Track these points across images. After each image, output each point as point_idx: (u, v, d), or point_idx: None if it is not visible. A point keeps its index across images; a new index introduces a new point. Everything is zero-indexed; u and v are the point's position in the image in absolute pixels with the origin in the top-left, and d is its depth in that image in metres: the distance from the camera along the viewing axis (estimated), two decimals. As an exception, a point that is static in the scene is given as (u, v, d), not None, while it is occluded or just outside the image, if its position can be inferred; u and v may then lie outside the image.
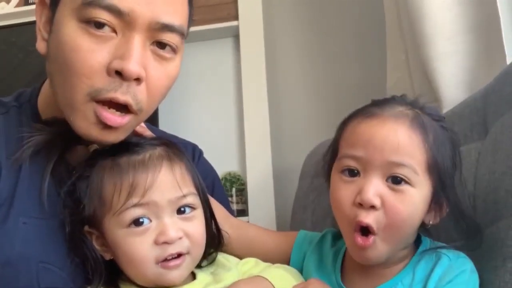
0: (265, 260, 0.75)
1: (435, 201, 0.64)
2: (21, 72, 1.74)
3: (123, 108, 0.63)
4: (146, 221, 0.62)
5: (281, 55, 1.72)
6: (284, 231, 0.88)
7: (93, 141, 0.67)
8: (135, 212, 0.62)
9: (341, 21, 1.64)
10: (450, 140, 0.66)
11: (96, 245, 0.65)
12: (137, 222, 0.62)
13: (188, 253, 0.63)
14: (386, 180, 0.61)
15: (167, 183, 0.63)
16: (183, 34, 0.66)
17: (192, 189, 0.67)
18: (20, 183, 0.65)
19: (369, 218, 0.60)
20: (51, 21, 0.65)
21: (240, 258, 0.74)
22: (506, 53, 0.92)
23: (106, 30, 0.61)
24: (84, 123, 0.63)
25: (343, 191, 0.63)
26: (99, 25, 0.61)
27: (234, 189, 1.67)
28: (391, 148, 0.61)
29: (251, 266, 0.73)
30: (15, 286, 0.62)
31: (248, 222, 0.90)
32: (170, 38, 0.64)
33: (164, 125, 1.58)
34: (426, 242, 0.69)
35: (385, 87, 1.31)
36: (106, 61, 0.61)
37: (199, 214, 0.66)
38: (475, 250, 0.67)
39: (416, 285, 0.64)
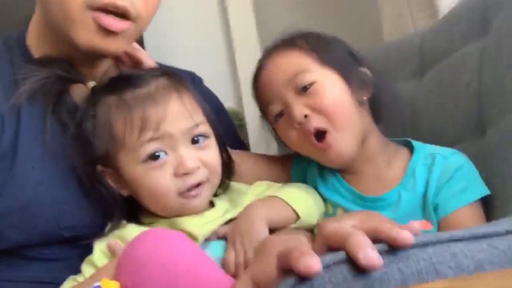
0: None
1: (350, 79, 0.70)
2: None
3: (121, 16, 0.63)
4: (162, 154, 0.62)
5: None
6: (283, 154, 0.89)
7: (96, 51, 0.65)
8: (151, 147, 0.61)
9: None
10: (334, 39, 0.76)
11: (111, 182, 0.65)
12: (153, 156, 0.61)
13: (207, 181, 0.63)
14: (300, 94, 0.68)
15: (179, 113, 0.62)
16: None
17: (203, 118, 0.66)
18: (22, 127, 0.64)
19: (310, 124, 0.67)
20: None
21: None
22: None
23: None
24: (85, 33, 0.63)
25: (284, 128, 0.71)
26: None
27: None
28: (280, 74, 0.71)
29: (264, 188, 0.73)
30: (36, 229, 0.63)
31: (246, 151, 0.90)
32: None
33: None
34: (418, 146, 0.71)
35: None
36: None
37: (212, 142, 0.66)
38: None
39: (418, 188, 0.67)
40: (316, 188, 0.75)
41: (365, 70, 0.72)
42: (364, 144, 0.71)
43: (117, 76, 0.67)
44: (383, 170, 0.70)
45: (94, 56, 0.69)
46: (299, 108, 0.67)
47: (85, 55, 0.68)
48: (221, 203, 0.68)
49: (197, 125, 0.63)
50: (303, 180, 0.77)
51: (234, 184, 0.72)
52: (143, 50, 0.75)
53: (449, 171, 0.65)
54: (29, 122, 0.65)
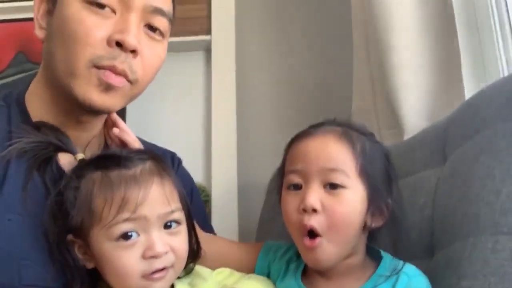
0: (233, 269, 0.78)
1: (373, 204, 0.72)
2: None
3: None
4: (134, 235, 0.65)
5: (252, 71, 1.77)
6: (251, 242, 0.92)
7: (92, 105, 0.71)
8: (125, 226, 0.64)
9: (311, 42, 1.71)
10: (380, 150, 0.76)
11: (78, 253, 0.67)
12: (125, 236, 0.64)
13: (172, 266, 0.66)
14: (324, 187, 0.69)
15: (158, 198, 0.66)
16: (170, 20, 0.77)
17: (179, 204, 0.69)
18: (8, 179, 0.67)
19: (312, 221, 0.68)
20: (52, 6, 0.73)
21: (211, 269, 0.77)
22: (465, 88, 1.00)
23: (107, 10, 0.72)
24: (85, 87, 0.70)
25: (290, 202, 0.71)
26: (101, 5, 0.71)
27: None
28: (324, 158, 0.70)
29: (225, 276, 0.76)
30: None
31: (215, 235, 0.93)
32: (160, 21, 0.75)
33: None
34: (387, 257, 0.75)
35: (350, 111, 1.38)
36: (108, 33, 0.71)
37: (183, 229, 0.69)
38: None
39: None
40: (275, 282, 0.77)
41: (389, 201, 0.73)
42: (347, 260, 0.72)
43: (106, 154, 0.71)
44: (348, 282, 0.72)
45: (89, 114, 0.74)
46: (314, 199, 0.68)
47: (79, 114, 0.72)
48: (181, 287, 0.70)
49: (172, 212, 0.67)
50: (267, 272, 0.80)
51: (196, 268, 0.74)
52: (130, 133, 0.80)
53: None
54: (15, 175, 0.68)
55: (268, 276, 0.79)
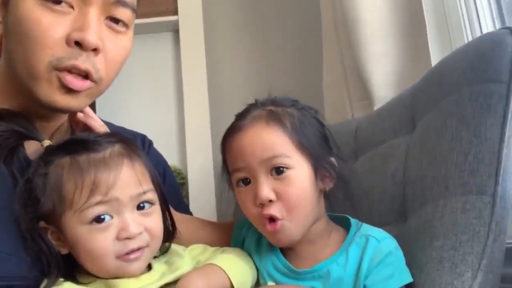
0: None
1: (319, 170, 0.73)
2: None
3: (84, 77, 0.68)
4: (107, 217, 0.64)
5: (222, 49, 1.76)
6: (225, 221, 0.93)
7: (57, 107, 0.69)
8: (98, 210, 0.63)
9: (280, 19, 1.71)
10: (308, 116, 0.75)
11: (52, 239, 0.66)
12: (98, 219, 0.64)
13: (147, 246, 0.66)
14: (271, 175, 0.70)
15: (129, 180, 0.65)
16: (134, 9, 0.73)
17: (151, 185, 0.69)
18: None
19: (271, 210, 0.69)
20: (6, 3, 0.68)
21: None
22: (431, 55, 1.02)
23: (64, 5, 0.67)
24: (48, 90, 0.67)
25: (245, 198, 0.72)
26: (57, 1, 0.66)
27: None
28: (260, 149, 0.70)
29: (200, 251, 0.76)
30: None
31: (191, 215, 0.93)
32: (122, 13, 0.71)
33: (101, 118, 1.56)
34: (355, 223, 0.77)
35: (321, 85, 1.39)
36: (66, 32, 0.66)
37: (157, 209, 0.69)
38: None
39: (350, 265, 0.71)
40: (250, 255, 0.78)
41: (333, 160, 0.74)
42: (312, 228, 0.74)
43: (74, 139, 0.70)
44: (319, 249, 0.74)
45: (53, 112, 0.72)
46: (267, 191, 0.69)
47: (45, 110, 0.70)
48: (158, 267, 0.70)
49: (144, 192, 0.66)
50: (241, 246, 0.81)
51: (172, 247, 0.75)
52: (95, 117, 0.78)
53: (379, 256, 0.70)
54: None
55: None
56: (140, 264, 0.65)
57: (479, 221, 0.68)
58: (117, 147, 0.68)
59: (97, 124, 0.79)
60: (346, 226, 0.77)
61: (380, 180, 0.90)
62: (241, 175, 0.72)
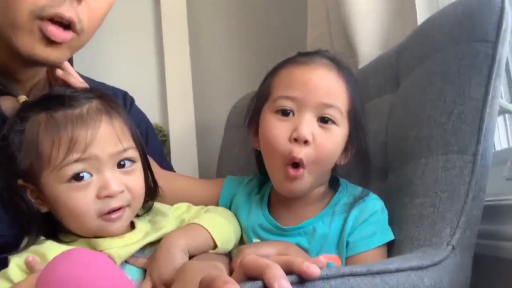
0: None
1: (350, 142, 0.74)
2: None
3: (66, 27, 0.65)
4: (87, 175, 0.63)
5: (203, 7, 1.70)
6: (212, 179, 0.93)
7: (37, 59, 0.66)
8: (76, 167, 0.62)
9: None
10: (359, 89, 0.77)
11: (31, 198, 0.65)
12: (77, 177, 0.62)
13: (128, 205, 0.65)
14: (317, 120, 0.70)
15: (108, 137, 0.64)
16: None
17: (131, 143, 0.68)
18: None
19: (302, 153, 0.68)
20: None
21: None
22: (417, 14, 1.00)
23: None
24: (29, 41, 0.64)
25: (279, 128, 0.70)
26: None
27: None
28: (324, 91, 0.70)
29: (183, 210, 0.76)
30: None
31: (175, 173, 0.92)
32: None
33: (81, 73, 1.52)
34: (343, 184, 0.78)
35: (305, 42, 1.37)
36: None
37: (138, 167, 0.68)
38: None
39: (335, 224, 0.73)
40: (237, 213, 0.79)
41: (363, 139, 0.75)
42: (314, 189, 0.75)
43: (50, 94, 0.67)
44: (308, 208, 0.75)
45: (33, 65, 0.69)
46: (308, 131, 0.68)
47: (23, 63, 0.68)
48: (142, 225, 0.70)
49: (125, 150, 0.65)
50: (229, 203, 0.81)
51: (156, 205, 0.74)
52: (74, 74, 0.76)
53: (365, 214, 0.71)
54: None
55: (231, 208, 0.80)
56: (121, 224, 0.65)
57: (459, 180, 0.69)
58: (95, 103, 0.66)
59: (77, 80, 0.77)
60: (334, 185, 0.78)
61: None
62: (287, 104, 0.70)
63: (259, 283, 0.41)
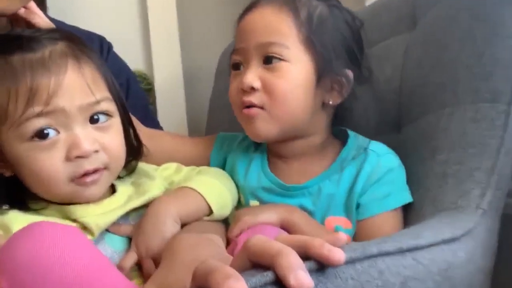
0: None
1: (325, 77, 0.64)
2: None
3: None
4: (52, 132, 0.52)
5: None
6: (202, 136, 0.83)
7: None
8: (38, 123, 0.51)
9: None
10: (339, 17, 0.67)
11: None
12: (41, 134, 0.52)
13: (106, 168, 0.55)
14: (264, 63, 0.64)
15: (76, 86, 0.53)
16: None
17: (107, 94, 0.57)
18: None
19: (250, 97, 0.63)
20: None
21: None
22: None
23: None
24: None
25: (233, 83, 0.67)
26: None
27: None
28: (260, 31, 0.64)
29: (172, 171, 0.67)
30: None
31: (161, 130, 0.82)
32: None
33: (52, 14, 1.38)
34: (353, 136, 0.69)
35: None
36: None
37: (116, 122, 0.57)
38: None
39: (344, 183, 0.64)
40: (232, 174, 0.70)
41: (349, 73, 0.65)
42: (304, 140, 0.67)
43: (5, 36, 0.55)
44: (311, 164, 0.67)
45: None
46: (252, 78, 0.63)
47: None
48: (124, 189, 0.60)
49: (98, 102, 0.54)
50: (222, 163, 0.72)
51: (140, 166, 0.64)
52: (40, 14, 0.64)
53: (379, 172, 0.63)
54: None
55: (224, 170, 0.71)
56: (97, 189, 0.55)
57: (490, 133, 0.60)
58: (60, 46, 0.54)
59: (41, 21, 0.65)
60: (342, 138, 0.69)
61: (373, 86, 0.80)
62: (236, 58, 0.66)
63: (270, 275, 0.32)
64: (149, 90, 1.60)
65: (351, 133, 0.69)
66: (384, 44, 0.82)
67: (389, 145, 0.69)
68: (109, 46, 0.79)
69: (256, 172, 0.68)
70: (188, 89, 1.53)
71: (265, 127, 0.64)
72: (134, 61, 1.60)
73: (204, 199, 0.59)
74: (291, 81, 0.63)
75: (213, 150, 0.73)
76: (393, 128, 0.76)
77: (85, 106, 0.53)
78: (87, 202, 0.55)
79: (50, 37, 0.54)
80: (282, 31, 0.63)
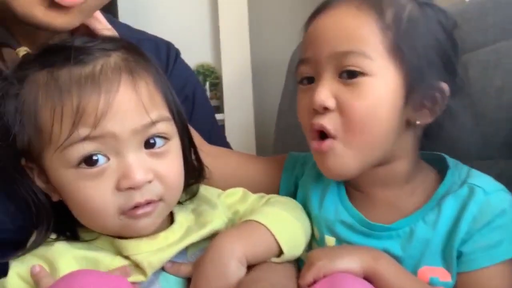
0: (251, 191, 0.61)
1: (415, 92, 0.52)
2: None
3: None
4: (102, 159, 0.46)
5: None
6: (271, 156, 0.74)
7: (37, 24, 0.51)
8: (86, 148, 0.45)
9: None
10: (432, 17, 0.55)
11: (39, 182, 0.49)
12: (89, 161, 0.45)
13: (161, 199, 0.48)
14: (340, 77, 0.53)
15: (129, 106, 0.46)
16: None
17: (165, 112, 0.49)
18: None
19: (322, 120, 0.53)
20: None
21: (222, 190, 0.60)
22: None
23: None
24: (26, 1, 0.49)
25: (301, 101, 0.56)
26: None
27: (208, 83, 1.53)
28: (335, 38, 0.53)
29: (238, 198, 0.59)
30: None
31: (228, 149, 0.74)
32: None
33: (124, 10, 1.37)
34: (454, 166, 0.56)
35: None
36: None
37: (174, 146, 0.50)
38: None
39: (442, 225, 0.52)
40: (305, 201, 0.60)
41: (444, 85, 0.53)
42: (386, 167, 0.55)
43: (55, 45, 0.50)
44: (401, 198, 0.56)
45: (35, 28, 0.52)
46: (325, 94, 0.52)
47: (24, 26, 0.51)
48: (183, 218, 0.53)
49: (153, 123, 0.47)
50: (293, 191, 0.63)
51: (202, 190, 0.57)
52: (101, 19, 0.58)
53: (488, 214, 0.51)
54: None
55: (295, 196, 0.61)
56: (151, 222, 0.48)
57: None
58: (113, 58, 0.47)
59: (102, 26, 0.59)
60: (440, 167, 0.57)
61: (478, 98, 0.67)
62: (304, 69, 0.55)
63: None
64: (216, 84, 1.56)
65: (451, 161, 0.57)
66: (492, 49, 0.70)
67: (497, 176, 0.56)
68: (177, 53, 0.72)
69: (333, 203, 0.58)
70: (256, 84, 1.48)
71: (340, 164, 0.53)
72: (202, 54, 1.57)
73: (274, 236, 0.51)
74: (374, 101, 0.51)
75: (284, 172, 0.64)
76: (502, 154, 0.63)
77: (139, 129, 0.46)
78: (140, 236, 0.49)
79: (104, 47, 0.48)
80: (363, 37, 0.52)
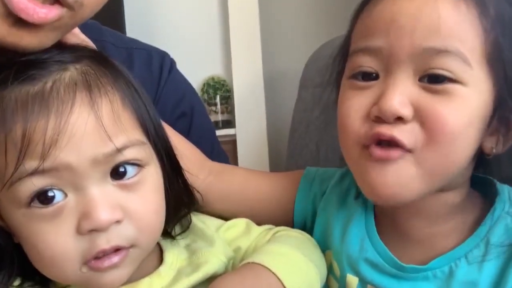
0: (260, 215, 0.53)
1: (501, 114, 0.43)
2: None
3: None
4: (59, 195, 0.38)
5: None
6: (284, 172, 0.65)
7: (4, 45, 0.43)
8: (36, 183, 0.37)
9: None
10: None
11: None
12: (43, 198, 0.37)
13: (132, 246, 0.40)
14: (420, 80, 0.42)
15: (86, 130, 0.38)
16: None
17: (136, 135, 0.40)
18: None
19: (392, 130, 0.42)
20: None
21: (225, 216, 0.52)
22: None
23: None
24: None
25: (354, 101, 0.44)
26: None
27: (218, 97, 1.49)
28: (427, 28, 0.41)
29: (239, 232, 0.50)
30: None
31: (233, 166, 0.65)
32: None
33: (132, 24, 1.35)
34: (504, 193, 0.47)
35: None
36: None
37: (150, 174, 0.41)
38: None
39: (491, 266, 0.43)
40: (324, 231, 0.51)
41: None
42: (439, 196, 0.46)
43: (8, 60, 0.42)
44: (444, 232, 0.47)
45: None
46: (401, 101, 0.42)
47: None
48: (175, 257, 0.45)
49: (119, 150, 0.39)
50: (311, 214, 0.54)
51: (197, 222, 0.49)
52: (77, 31, 0.51)
53: None
54: None
55: (313, 221, 0.53)
56: (120, 273, 0.39)
57: None
58: (70, 72, 0.39)
59: (73, 37, 0.51)
60: (487, 194, 0.47)
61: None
62: (366, 61, 0.44)
63: None
64: (227, 97, 1.51)
65: (501, 187, 0.47)
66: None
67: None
68: (172, 64, 0.64)
69: (358, 236, 0.49)
70: (269, 97, 1.44)
71: (404, 182, 0.43)
72: (212, 66, 1.54)
73: (282, 284, 0.42)
74: (469, 117, 0.42)
75: (299, 190, 0.54)
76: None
77: (100, 158, 0.38)
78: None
79: (61, 59, 0.40)
80: (464, 35, 0.42)
